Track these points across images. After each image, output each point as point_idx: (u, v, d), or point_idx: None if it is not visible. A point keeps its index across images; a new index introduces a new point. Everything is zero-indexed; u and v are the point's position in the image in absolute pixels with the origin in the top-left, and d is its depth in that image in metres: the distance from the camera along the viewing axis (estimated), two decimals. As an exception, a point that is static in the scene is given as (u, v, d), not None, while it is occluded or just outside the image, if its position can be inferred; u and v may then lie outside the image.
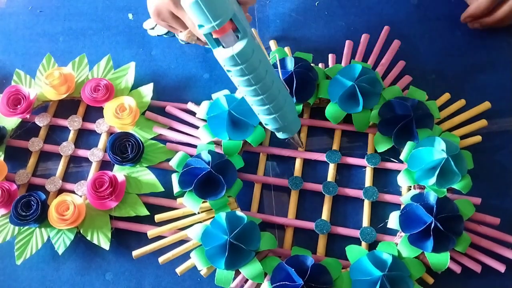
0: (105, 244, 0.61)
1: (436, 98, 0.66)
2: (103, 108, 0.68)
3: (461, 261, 0.56)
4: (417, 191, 0.59)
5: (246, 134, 0.63)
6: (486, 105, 0.65)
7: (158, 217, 0.61)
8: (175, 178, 0.61)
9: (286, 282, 0.53)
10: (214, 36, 0.46)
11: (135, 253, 0.59)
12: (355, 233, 0.60)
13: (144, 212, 0.62)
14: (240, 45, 0.46)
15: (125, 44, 0.77)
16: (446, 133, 0.63)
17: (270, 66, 0.51)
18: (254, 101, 0.52)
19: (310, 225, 0.60)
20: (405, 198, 0.59)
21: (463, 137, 0.63)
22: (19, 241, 0.62)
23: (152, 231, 0.60)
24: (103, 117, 0.68)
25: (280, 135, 0.58)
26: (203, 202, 0.59)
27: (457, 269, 0.56)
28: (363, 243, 0.59)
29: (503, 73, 0.70)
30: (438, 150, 0.57)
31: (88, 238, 0.61)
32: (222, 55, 0.47)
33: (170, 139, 0.67)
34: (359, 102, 0.63)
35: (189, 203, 0.59)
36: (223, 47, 0.48)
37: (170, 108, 0.68)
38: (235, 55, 0.46)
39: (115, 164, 0.65)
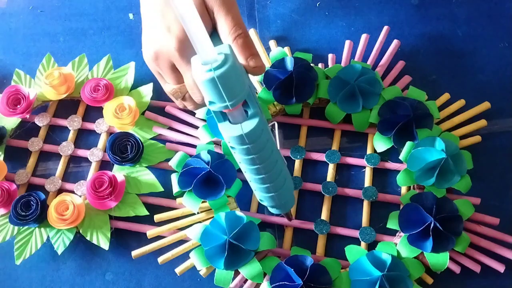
0: (104, 244, 0.61)
1: (435, 98, 0.66)
2: (102, 108, 0.68)
3: (461, 261, 0.56)
4: (417, 191, 0.60)
5: (245, 134, 0.62)
6: (485, 105, 0.65)
7: (157, 217, 0.61)
8: (174, 178, 0.61)
9: (286, 282, 0.53)
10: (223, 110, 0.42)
11: (135, 253, 0.59)
12: (355, 233, 0.60)
13: (144, 212, 0.62)
14: (250, 125, 0.43)
15: (125, 44, 0.77)
16: (445, 133, 0.63)
17: (275, 145, 0.49)
18: (254, 179, 0.49)
19: (310, 225, 0.60)
20: (404, 198, 0.59)
21: (462, 137, 0.63)
22: (18, 241, 0.62)
23: (151, 231, 0.60)
24: (102, 117, 0.68)
25: (273, 210, 0.55)
26: (203, 202, 0.60)
27: (457, 269, 0.56)
28: (363, 243, 0.59)
29: (503, 73, 0.70)
30: (437, 150, 0.57)
31: (88, 238, 0.61)
32: (229, 132, 0.43)
33: (169, 139, 0.67)
34: (358, 102, 0.63)
35: (189, 203, 0.59)
36: (230, 122, 0.44)
37: (170, 108, 0.68)
38: (244, 135, 0.43)
39: (115, 164, 0.65)
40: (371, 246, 0.59)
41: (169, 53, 0.48)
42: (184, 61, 0.48)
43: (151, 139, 0.67)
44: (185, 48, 0.48)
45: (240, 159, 0.47)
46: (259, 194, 0.52)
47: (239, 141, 0.44)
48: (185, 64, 0.48)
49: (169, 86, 0.53)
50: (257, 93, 0.67)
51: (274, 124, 0.53)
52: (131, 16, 0.79)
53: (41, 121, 0.70)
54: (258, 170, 0.47)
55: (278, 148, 0.51)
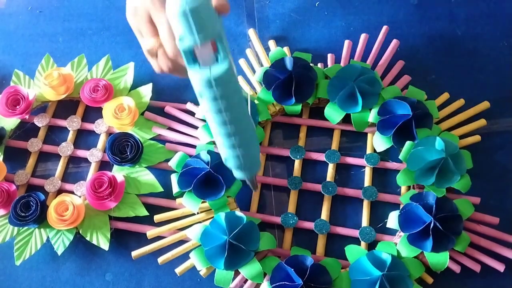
0: (104, 245, 0.61)
1: (435, 97, 0.66)
2: (102, 109, 0.68)
3: (461, 260, 0.56)
4: (416, 190, 0.60)
5: (245, 134, 0.62)
6: (485, 104, 0.65)
7: (157, 218, 0.61)
8: (174, 178, 0.61)
9: (286, 282, 0.53)
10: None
11: (135, 253, 0.59)
12: (355, 233, 0.60)
13: (144, 212, 0.62)
14: (219, 69, 0.43)
15: (124, 44, 0.77)
16: (445, 132, 0.63)
17: (243, 98, 0.48)
18: (220, 132, 0.48)
19: (310, 225, 0.60)
20: (404, 198, 0.59)
21: (462, 136, 0.63)
22: (18, 242, 0.62)
23: (151, 232, 0.60)
24: (102, 117, 0.68)
25: (238, 174, 0.54)
26: (203, 202, 0.59)
27: (457, 268, 0.56)
28: (363, 243, 0.59)
29: (502, 73, 0.70)
30: (437, 150, 0.57)
31: (88, 238, 0.61)
32: (197, 75, 0.43)
33: (169, 140, 0.67)
34: (358, 102, 0.63)
35: (189, 204, 0.59)
36: (199, 66, 0.44)
37: (169, 108, 0.68)
38: (212, 79, 0.43)
39: (114, 165, 0.65)
40: (371, 246, 0.59)
41: (146, 5, 0.51)
42: (159, 12, 0.51)
43: (150, 139, 0.67)
44: (160, 0, 0.50)
45: (207, 108, 0.46)
46: (225, 151, 0.51)
47: (207, 85, 0.43)
48: (160, 13, 0.51)
49: (146, 42, 0.54)
50: (256, 93, 0.67)
51: (248, 94, 0.53)
52: (130, 16, 0.79)
53: (41, 121, 0.70)
54: (224, 121, 0.47)
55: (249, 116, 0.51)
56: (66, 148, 0.68)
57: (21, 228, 0.62)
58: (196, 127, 0.66)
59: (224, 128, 0.47)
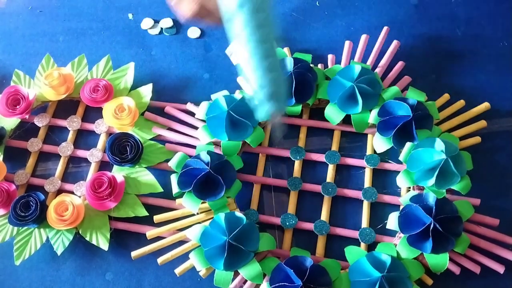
0: (104, 245, 0.61)
1: (435, 98, 0.66)
2: (102, 109, 0.68)
3: (460, 262, 0.56)
4: (416, 192, 0.59)
5: (245, 134, 0.63)
6: (485, 105, 0.65)
7: (157, 218, 0.61)
8: (174, 178, 0.61)
9: (285, 283, 0.53)
10: None
11: (134, 253, 0.59)
12: (354, 234, 0.60)
13: (143, 212, 0.62)
14: None
15: (125, 44, 0.77)
16: (445, 134, 0.63)
17: (273, 27, 0.50)
18: (255, 52, 0.49)
19: (309, 225, 0.60)
20: (404, 199, 0.59)
21: (462, 138, 0.63)
22: (18, 242, 0.62)
23: (151, 232, 0.60)
24: (102, 117, 0.68)
25: (266, 107, 0.53)
26: (202, 202, 0.59)
27: (456, 270, 0.56)
28: (362, 244, 0.59)
29: (503, 73, 0.70)
30: (437, 151, 0.57)
31: (87, 238, 0.61)
32: None
33: (169, 140, 0.67)
34: (358, 103, 0.63)
35: (188, 204, 0.59)
36: None
37: (170, 108, 0.68)
38: None
39: (114, 165, 0.65)
40: (371, 247, 0.59)
41: None
42: None
43: (150, 139, 0.67)
44: None
45: (243, 27, 0.47)
46: (260, 77, 0.51)
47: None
48: None
49: None
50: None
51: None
52: (130, 16, 0.79)
53: (41, 121, 0.69)
54: (262, 39, 0.47)
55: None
56: (66, 148, 0.68)
57: (20, 228, 0.62)
58: (196, 128, 0.66)
59: (260, 47, 0.48)
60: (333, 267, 0.56)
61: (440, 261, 0.55)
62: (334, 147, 0.65)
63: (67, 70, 0.71)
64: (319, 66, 0.69)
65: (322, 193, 0.62)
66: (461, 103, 0.65)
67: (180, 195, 0.61)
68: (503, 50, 0.72)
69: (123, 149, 0.64)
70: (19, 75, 0.73)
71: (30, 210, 0.61)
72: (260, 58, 0.49)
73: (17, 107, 0.68)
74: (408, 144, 0.60)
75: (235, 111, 0.61)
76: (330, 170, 0.64)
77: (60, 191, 0.66)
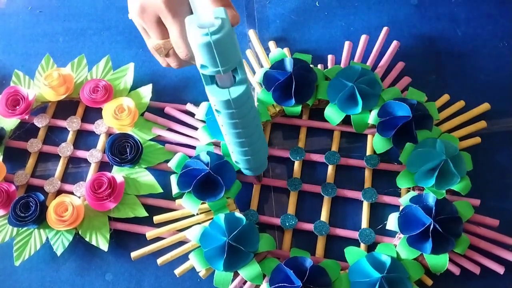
0: (103, 245, 0.61)
1: (435, 99, 0.66)
2: (102, 109, 0.68)
3: (460, 262, 0.56)
4: (416, 192, 0.59)
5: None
6: (485, 106, 0.65)
7: (156, 219, 0.61)
8: (174, 179, 0.61)
9: (285, 284, 0.53)
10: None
11: (134, 254, 0.59)
12: (354, 234, 0.60)
13: (143, 213, 0.62)
14: (237, 91, 0.44)
15: (124, 44, 0.77)
16: (445, 134, 0.62)
17: (257, 112, 0.51)
18: (234, 142, 0.51)
19: (309, 226, 0.60)
20: (404, 199, 0.59)
21: (462, 138, 0.63)
22: (17, 242, 0.62)
23: (150, 232, 0.60)
24: (102, 118, 0.68)
25: (246, 172, 0.58)
26: (202, 203, 0.59)
27: (456, 270, 0.56)
28: (362, 244, 0.59)
29: (503, 73, 0.70)
30: (437, 152, 0.57)
31: (87, 239, 0.61)
32: (216, 96, 0.44)
33: (169, 140, 0.67)
34: (358, 103, 0.63)
35: (188, 205, 0.59)
36: (217, 86, 0.45)
37: (169, 109, 0.68)
38: (231, 100, 0.44)
39: (114, 165, 0.65)
40: (371, 247, 0.59)
41: (156, 6, 0.48)
42: (171, 15, 0.48)
43: (150, 140, 0.67)
44: (172, 1, 0.48)
45: (223, 122, 0.48)
46: (237, 156, 0.54)
47: (225, 106, 0.45)
48: (172, 17, 0.48)
49: (153, 42, 0.53)
50: (256, 94, 0.67)
51: (254, 88, 0.54)
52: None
53: (40, 122, 0.69)
54: (240, 134, 0.49)
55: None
56: (65, 149, 0.68)
57: (20, 228, 0.62)
58: (196, 128, 0.66)
59: (238, 140, 0.50)
60: (333, 268, 0.56)
61: (440, 261, 0.55)
62: (334, 147, 0.65)
63: (67, 70, 0.71)
64: (319, 66, 0.69)
65: (322, 194, 0.62)
66: (461, 103, 0.65)
67: (180, 196, 0.61)
68: (503, 50, 0.72)
69: (123, 149, 0.64)
70: (18, 75, 0.73)
71: (30, 210, 0.61)
72: (236, 146, 0.52)
73: (17, 107, 0.68)
74: (408, 145, 0.60)
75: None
76: (330, 171, 0.64)
77: (59, 192, 0.66)
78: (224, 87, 0.44)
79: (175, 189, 0.60)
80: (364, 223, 0.60)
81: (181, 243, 0.60)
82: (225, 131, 0.50)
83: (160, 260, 0.58)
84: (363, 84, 0.63)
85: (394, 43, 0.69)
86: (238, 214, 0.58)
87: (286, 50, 0.70)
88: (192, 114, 0.67)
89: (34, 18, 0.81)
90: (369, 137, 0.65)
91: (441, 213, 0.55)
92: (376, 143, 0.63)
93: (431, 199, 0.56)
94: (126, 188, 0.64)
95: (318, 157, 0.64)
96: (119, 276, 0.62)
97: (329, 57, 0.70)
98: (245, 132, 0.49)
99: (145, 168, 0.65)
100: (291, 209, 0.62)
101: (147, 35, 0.54)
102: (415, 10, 0.76)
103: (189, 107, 0.68)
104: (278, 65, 0.65)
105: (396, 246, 0.57)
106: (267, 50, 0.72)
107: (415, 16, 0.75)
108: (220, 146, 0.63)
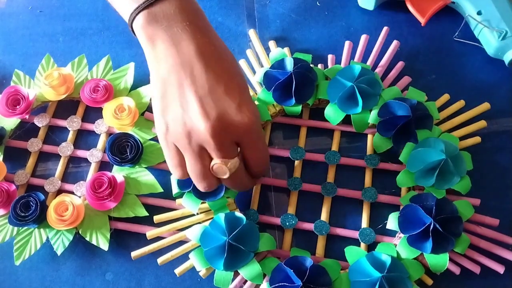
0: (104, 245, 0.61)
1: (435, 98, 0.66)
2: (102, 109, 0.68)
3: (460, 262, 0.56)
4: (416, 192, 0.59)
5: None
6: (485, 106, 0.65)
7: (157, 218, 0.61)
8: (174, 179, 0.61)
9: (285, 283, 0.53)
10: None
11: (134, 254, 0.59)
12: (354, 234, 0.60)
13: (143, 213, 0.62)
14: None
15: (125, 44, 0.77)
16: (445, 134, 0.63)
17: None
18: None
19: (309, 226, 0.60)
20: (404, 199, 0.59)
21: (462, 138, 0.63)
22: (18, 242, 0.62)
23: (151, 232, 0.60)
24: (102, 117, 0.68)
25: None
26: (202, 203, 0.59)
27: (456, 270, 0.56)
28: (362, 244, 0.59)
29: (503, 73, 0.70)
30: (437, 151, 0.57)
31: (87, 238, 0.61)
32: None
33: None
34: (358, 103, 0.63)
35: (188, 204, 0.59)
36: None
37: (169, 108, 0.68)
38: None
39: (114, 165, 0.65)
40: (371, 247, 0.59)
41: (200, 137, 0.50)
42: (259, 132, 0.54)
43: (150, 139, 0.67)
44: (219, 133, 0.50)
45: None
46: None
47: None
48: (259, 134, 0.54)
49: (231, 162, 0.52)
50: (256, 94, 0.67)
51: None
52: (130, 16, 0.79)
53: (41, 121, 0.70)
54: None
55: None
56: (66, 148, 0.68)
57: (20, 228, 0.62)
58: (196, 128, 0.66)
59: None
60: (333, 267, 0.56)
61: (440, 261, 0.55)
62: (334, 147, 0.65)
63: (67, 70, 0.71)
64: (319, 66, 0.69)
65: (322, 193, 0.62)
66: (461, 103, 0.65)
67: (180, 195, 0.61)
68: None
69: (123, 149, 0.64)
70: (19, 75, 0.73)
71: (30, 210, 0.61)
72: None
73: (17, 107, 0.68)
74: (408, 144, 0.60)
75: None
76: (330, 170, 0.64)
77: (60, 191, 0.66)
78: None
79: (175, 189, 0.60)
80: (364, 223, 0.60)
81: (181, 242, 0.60)
82: None
83: (160, 260, 0.58)
84: (363, 84, 0.63)
85: (394, 42, 0.69)
86: (238, 213, 0.58)
87: (286, 50, 0.70)
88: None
89: (34, 18, 0.81)
90: (369, 136, 0.65)
91: (441, 212, 0.55)
92: (376, 142, 0.63)
93: (431, 198, 0.56)
94: (127, 187, 0.64)
95: (318, 157, 0.64)
96: (119, 275, 0.62)
97: (329, 56, 0.70)
98: None
99: (145, 167, 0.65)
100: (291, 208, 0.62)
101: (178, 160, 0.54)
102: (415, 10, 0.76)
103: (189, 106, 0.68)
104: (278, 64, 0.65)
105: (396, 246, 0.57)
106: (267, 49, 0.72)
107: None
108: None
